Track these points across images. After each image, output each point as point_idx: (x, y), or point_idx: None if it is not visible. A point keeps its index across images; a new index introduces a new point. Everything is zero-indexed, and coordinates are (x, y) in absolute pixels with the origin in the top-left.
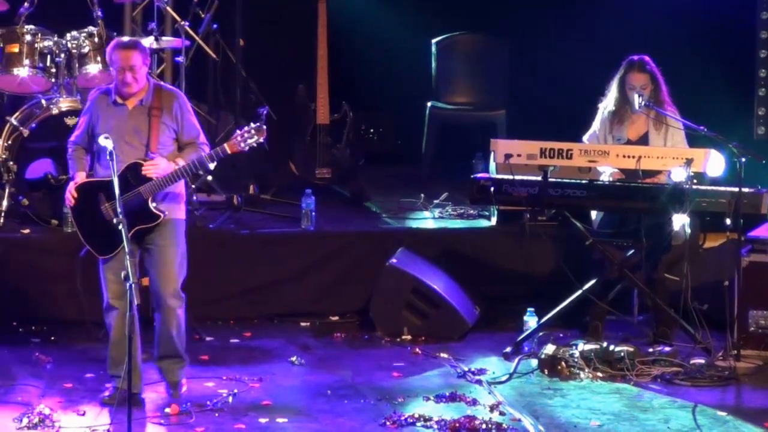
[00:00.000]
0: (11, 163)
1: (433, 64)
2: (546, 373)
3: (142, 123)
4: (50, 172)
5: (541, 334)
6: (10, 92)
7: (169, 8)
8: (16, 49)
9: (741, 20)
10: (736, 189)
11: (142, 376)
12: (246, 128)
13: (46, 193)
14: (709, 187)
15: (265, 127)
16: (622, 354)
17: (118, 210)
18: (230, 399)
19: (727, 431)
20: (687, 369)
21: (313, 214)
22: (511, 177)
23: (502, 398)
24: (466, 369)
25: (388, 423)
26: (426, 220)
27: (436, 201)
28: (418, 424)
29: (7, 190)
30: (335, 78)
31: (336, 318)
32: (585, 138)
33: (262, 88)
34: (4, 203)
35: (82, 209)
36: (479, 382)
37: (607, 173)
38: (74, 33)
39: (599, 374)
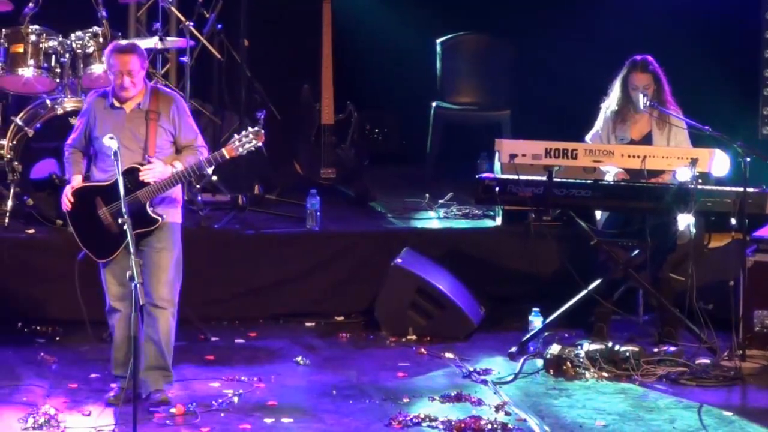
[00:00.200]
0: (16, 163)
1: (438, 64)
2: (551, 373)
3: (139, 126)
4: (55, 172)
5: (546, 334)
6: (14, 92)
7: (173, 8)
8: (20, 49)
9: (745, 20)
10: (741, 189)
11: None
12: (244, 132)
13: (50, 193)
14: (713, 187)
15: (263, 131)
16: (628, 354)
17: (123, 210)
18: (236, 399)
19: (733, 431)
20: (692, 369)
21: (318, 214)
22: (515, 177)
23: (507, 398)
24: (471, 369)
25: (393, 423)
26: (431, 220)
27: (440, 201)
28: (424, 424)
29: (11, 190)
30: (340, 78)
31: (341, 318)
32: (588, 138)
33: (266, 88)
34: (9, 203)
35: (79, 213)
36: (484, 382)
37: (611, 173)
38: (79, 33)
39: (604, 374)
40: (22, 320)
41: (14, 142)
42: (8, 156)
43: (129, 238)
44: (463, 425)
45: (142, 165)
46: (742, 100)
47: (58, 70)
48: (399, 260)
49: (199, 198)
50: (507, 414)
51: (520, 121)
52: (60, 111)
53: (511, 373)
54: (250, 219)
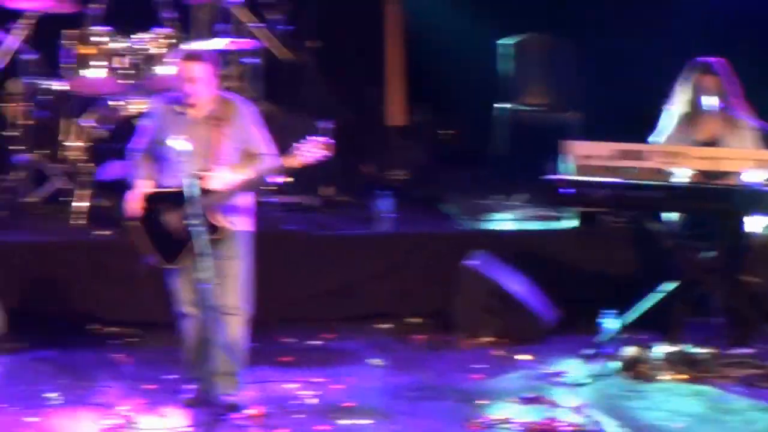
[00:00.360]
0: (85, 164)
1: (506, 66)
2: (627, 375)
3: (206, 134)
4: (123, 173)
5: (621, 336)
6: (81, 94)
7: (239, 9)
8: (87, 51)
9: None
10: None
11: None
12: (310, 142)
13: (120, 194)
14: None
15: (329, 141)
16: (703, 356)
17: (193, 211)
18: (311, 401)
19: None
20: None
21: (390, 215)
22: (588, 179)
23: (583, 400)
24: (546, 371)
25: (468, 425)
26: (503, 221)
27: (513, 203)
28: (499, 426)
29: (82, 192)
30: (410, 79)
31: (416, 320)
32: (651, 140)
33: (336, 90)
34: (80, 204)
35: (146, 219)
36: (560, 384)
37: (682, 175)
38: (144, 35)
39: (681, 376)
40: (97, 322)
41: (82, 144)
42: (78, 158)
43: (197, 240)
44: (538, 427)
45: (206, 172)
46: None
47: (124, 72)
48: (472, 262)
49: (270, 199)
50: (583, 416)
51: (586, 122)
52: (126, 113)
53: (587, 375)
54: (322, 220)
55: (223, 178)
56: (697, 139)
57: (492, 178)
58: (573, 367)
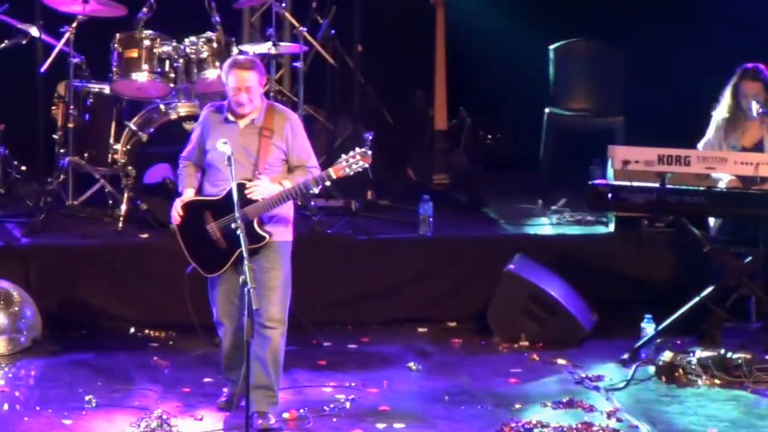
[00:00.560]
0: (130, 167)
1: (551, 70)
2: (663, 380)
3: (251, 143)
4: (168, 177)
5: (658, 340)
6: (129, 97)
7: (287, 13)
8: (135, 54)
9: None
10: None
11: None
12: (352, 153)
13: (164, 198)
14: None
15: (370, 152)
16: (740, 361)
17: (237, 215)
18: (348, 404)
19: None
20: None
21: (431, 219)
22: (628, 183)
23: (619, 405)
24: (583, 375)
25: (505, 429)
26: (543, 226)
27: (553, 207)
28: (536, 430)
29: (126, 195)
30: (453, 84)
31: (453, 323)
32: (700, 145)
33: (380, 94)
34: (123, 208)
35: (188, 227)
36: (596, 388)
37: (723, 180)
38: (192, 38)
39: (716, 381)
40: (135, 325)
41: (128, 147)
42: (122, 161)
43: (242, 243)
44: (574, 431)
45: (250, 181)
46: None
47: (171, 75)
48: (512, 266)
49: (312, 203)
50: (619, 420)
51: (631, 127)
52: (173, 116)
53: (623, 379)
54: (363, 224)
55: (267, 187)
56: (740, 144)
57: (535, 182)
58: (610, 372)
